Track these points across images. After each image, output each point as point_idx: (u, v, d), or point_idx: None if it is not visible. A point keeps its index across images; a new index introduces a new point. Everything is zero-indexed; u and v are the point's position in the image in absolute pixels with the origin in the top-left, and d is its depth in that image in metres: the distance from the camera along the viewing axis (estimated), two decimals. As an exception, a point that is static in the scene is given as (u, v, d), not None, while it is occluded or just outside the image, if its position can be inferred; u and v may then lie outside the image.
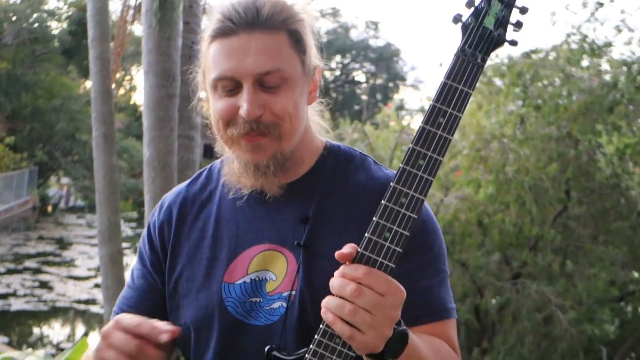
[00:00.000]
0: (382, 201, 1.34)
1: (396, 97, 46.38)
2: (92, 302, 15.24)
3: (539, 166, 7.73)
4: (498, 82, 8.81)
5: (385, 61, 49.06)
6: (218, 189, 1.70)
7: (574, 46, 8.53)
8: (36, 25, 34.77)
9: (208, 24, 1.58)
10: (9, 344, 11.16)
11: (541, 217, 8.07)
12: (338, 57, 51.36)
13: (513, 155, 7.82)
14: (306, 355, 1.37)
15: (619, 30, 8.60)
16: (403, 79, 50.34)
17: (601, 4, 8.58)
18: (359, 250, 1.33)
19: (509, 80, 8.42)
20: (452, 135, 1.35)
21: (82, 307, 14.79)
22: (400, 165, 1.34)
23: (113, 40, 7.03)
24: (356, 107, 45.09)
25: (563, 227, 8.75)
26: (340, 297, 1.29)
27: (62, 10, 36.18)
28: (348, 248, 1.32)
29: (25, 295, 15.21)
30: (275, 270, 1.57)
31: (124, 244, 8.48)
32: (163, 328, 1.39)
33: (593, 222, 8.66)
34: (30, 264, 18.94)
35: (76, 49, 35.45)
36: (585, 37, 8.54)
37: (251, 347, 1.51)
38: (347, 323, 1.28)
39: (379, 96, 44.67)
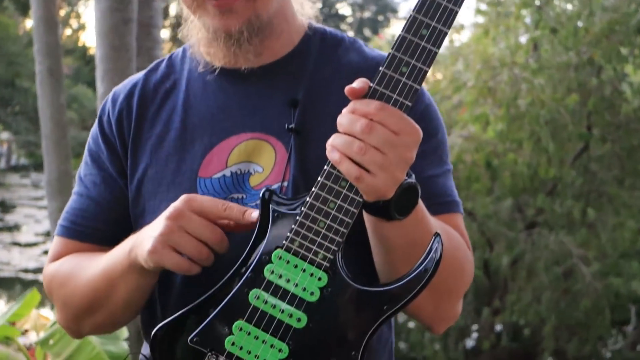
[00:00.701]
0: (401, 32, 1.34)
1: (387, 31, 46.25)
2: (40, 270, 15.10)
3: (557, 98, 7.68)
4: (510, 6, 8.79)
5: (374, -10, 48.96)
6: (184, 77, 1.68)
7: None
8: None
9: None
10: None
11: (559, 156, 8.05)
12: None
13: (526, 86, 7.79)
14: (307, 199, 1.38)
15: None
16: (394, 10, 50.23)
17: None
18: (371, 85, 1.33)
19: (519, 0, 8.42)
20: (447, 25, 1.35)
21: (29, 276, 14.82)
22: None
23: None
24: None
25: (584, 170, 8.80)
26: (349, 135, 1.30)
27: None
28: (359, 82, 1.32)
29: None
30: (260, 161, 1.56)
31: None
32: (251, 210, 1.41)
33: (618, 163, 8.70)
34: (-31, 230, 19.10)
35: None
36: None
37: (233, 251, 1.46)
38: (356, 163, 1.29)
39: (367, 32, 44.55)
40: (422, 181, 1.48)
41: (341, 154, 1.30)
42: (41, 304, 4.76)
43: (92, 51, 45.09)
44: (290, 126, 1.55)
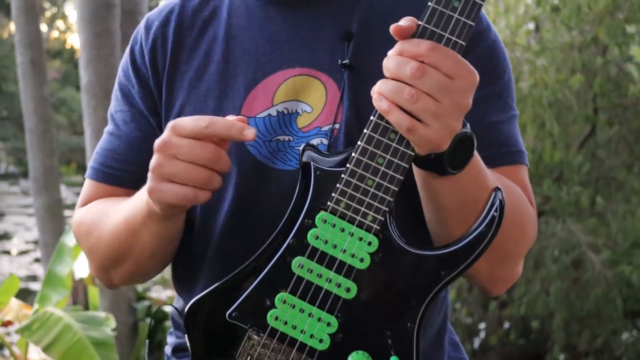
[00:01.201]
0: None
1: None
2: (32, 278, 15.27)
3: (560, 79, 7.69)
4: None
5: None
6: (225, 3, 1.60)
7: None
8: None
9: None
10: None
11: (565, 139, 8.07)
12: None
13: (528, 67, 7.80)
14: (353, 154, 1.32)
15: None
16: None
17: None
18: (419, 23, 1.27)
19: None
20: None
21: (20, 285, 14.78)
22: None
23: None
24: None
25: (591, 157, 8.80)
26: (398, 80, 1.23)
27: None
28: (406, 20, 1.26)
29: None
30: (309, 100, 1.50)
31: (67, 212, 8.42)
32: (242, 123, 1.33)
33: (627, 148, 8.67)
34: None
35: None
36: None
37: (278, 198, 1.44)
38: (406, 112, 1.23)
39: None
40: (487, 128, 1.48)
41: (390, 102, 1.24)
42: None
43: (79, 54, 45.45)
44: (344, 62, 1.49)
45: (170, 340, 1.70)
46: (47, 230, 6.28)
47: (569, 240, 7.78)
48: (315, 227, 1.34)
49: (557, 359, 8.33)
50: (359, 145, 1.31)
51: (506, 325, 9.46)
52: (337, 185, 1.33)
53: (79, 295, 6.08)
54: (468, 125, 1.33)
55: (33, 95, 6.42)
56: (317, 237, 1.34)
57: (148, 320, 5.64)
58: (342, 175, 1.33)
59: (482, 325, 9.36)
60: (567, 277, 8.02)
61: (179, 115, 1.55)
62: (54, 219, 6.30)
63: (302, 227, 1.35)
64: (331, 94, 1.50)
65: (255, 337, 1.36)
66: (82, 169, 29.12)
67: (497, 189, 1.36)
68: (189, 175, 1.32)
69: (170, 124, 1.35)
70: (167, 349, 1.70)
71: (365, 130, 1.30)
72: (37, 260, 16.94)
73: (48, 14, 38.22)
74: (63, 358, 2.87)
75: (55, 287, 3.43)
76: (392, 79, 1.24)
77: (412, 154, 1.29)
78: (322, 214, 1.34)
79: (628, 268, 7.89)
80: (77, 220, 1.66)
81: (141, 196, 1.44)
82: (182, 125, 1.33)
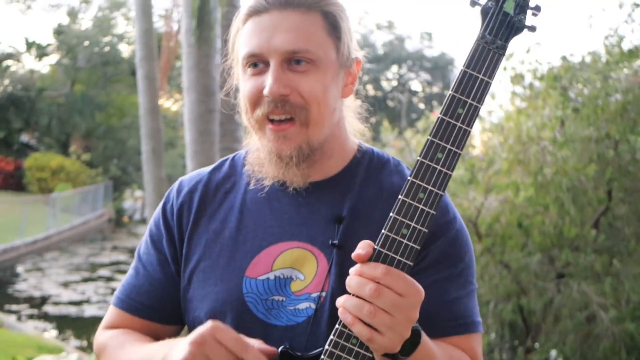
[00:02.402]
0: (400, 196, 1.26)
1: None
2: None
3: (578, 167, 7.57)
4: (537, 84, 8.72)
5: (440, 70, 48.84)
6: (243, 179, 1.59)
7: (611, 48, 8.43)
8: (107, 49, 35.53)
9: (242, 8, 1.52)
10: (83, 348, 11.35)
11: (580, 217, 7.91)
12: (395, 68, 51.38)
13: (551, 158, 7.71)
14: (322, 357, 1.30)
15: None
16: (458, 86, 50.12)
17: (638, 5, 8.44)
18: (375, 247, 1.26)
19: (546, 83, 8.33)
20: (471, 127, 1.27)
21: None
22: (418, 158, 1.27)
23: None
24: (413, 116, 44.95)
25: (609, 227, 8.59)
26: (358, 297, 1.22)
27: (130, 33, 36.93)
28: (364, 247, 1.25)
29: (98, 302, 15.40)
30: (303, 270, 1.47)
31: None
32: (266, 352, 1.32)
33: (637, 221, 8.44)
34: (104, 272, 19.32)
35: (145, 69, 36.27)
36: (622, 38, 8.41)
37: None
38: (366, 324, 1.22)
39: (434, 104, 44.36)
40: (448, 302, 1.44)
41: (353, 316, 1.22)
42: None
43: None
44: (334, 242, 1.45)
45: None
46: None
47: (583, 300, 7.56)
48: None
49: None
50: (327, 349, 1.29)
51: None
52: None
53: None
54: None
55: (153, 177, 6.54)
56: None
57: None
58: None
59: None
60: (581, 330, 7.83)
61: (195, 266, 1.53)
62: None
63: None
64: (321, 266, 1.46)
65: None
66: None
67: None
68: None
69: (212, 324, 1.29)
70: None
71: (331, 336, 1.28)
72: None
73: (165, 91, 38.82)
74: None
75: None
76: (354, 296, 1.23)
77: (371, 356, 1.27)
78: None
79: (631, 325, 7.67)
80: (100, 342, 1.60)
81: (157, 353, 1.40)
82: (225, 335, 1.28)
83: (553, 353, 8.32)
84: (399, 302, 1.21)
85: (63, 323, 13.56)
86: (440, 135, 1.26)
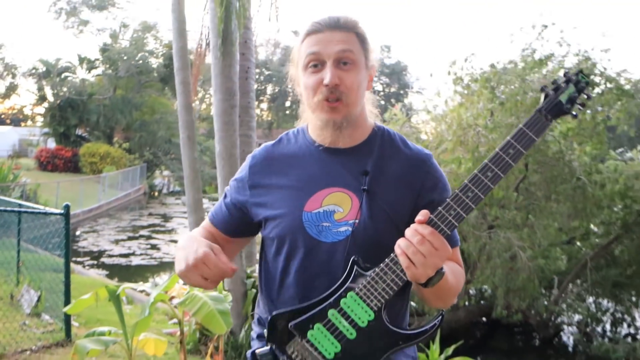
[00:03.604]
0: (462, 188, 1.37)
1: (405, 100, 45.88)
2: None
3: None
4: (473, 85, 8.83)
5: (397, 74, 48.76)
6: (298, 147, 1.68)
7: (526, 58, 8.56)
8: (140, 62, 35.19)
9: (302, 30, 1.61)
10: (132, 289, 11.40)
11: (505, 183, 8.04)
12: (364, 73, 51.07)
13: (484, 139, 7.82)
14: (376, 269, 1.42)
15: (560, 45, 8.62)
16: (410, 87, 49.95)
17: (546, 26, 8.59)
18: (431, 216, 1.37)
19: (480, 84, 8.46)
20: (515, 163, 1.38)
21: None
22: (486, 162, 1.39)
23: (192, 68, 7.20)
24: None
25: (526, 191, 8.73)
26: (409, 242, 1.36)
27: (158, 49, 36.63)
28: (424, 215, 1.38)
29: (141, 254, 15.49)
30: (342, 206, 1.56)
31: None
32: (232, 269, 1.48)
33: (545, 186, 8.61)
34: (144, 232, 19.24)
35: (169, 77, 35.63)
36: (534, 50, 8.56)
37: (321, 258, 1.54)
38: (408, 258, 1.35)
39: (393, 101, 44.29)
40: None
41: (402, 251, 1.36)
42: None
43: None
44: (364, 188, 1.55)
45: (256, 329, 1.72)
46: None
47: (508, 244, 7.80)
48: (346, 298, 1.44)
49: (500, 312, 8.24)
50: (380, 266, 1.41)
51: (472, 291, 9.47)
52: (364, 281, 1.43)
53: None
54: (444, 267, 1.39)
55: (188, 158, 6.53)
56: (345, 303, 1.44)
57: (253, 290, 5.76)
58: (368, 277, 1.43)
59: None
60: (506, 266, 8.02)
61: (269, 205, 1.62)
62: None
63: (340, 296, 1.45)
64: (355, 203, 1.55)
65: (299, 340, 1.45)
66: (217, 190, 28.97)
67: (441, 313, 1.46)
68: (200, 282, 1.48)
69: (203, 252, 1.46)
70: (253, 334, 1.72)
71: (386, 260, 1.41)
72: (191, 246, 17.34)
73: (199, 95, 38.52)
74: (203, 320, 2.99)
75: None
76: (407, 240, 1.36)
77: (405, 278, 1.40)
78: (351, 293, 1.44)
79: (542, 261, 7.85)
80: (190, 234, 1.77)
81: (190, 245, 1.53)
82: (209, 260, 1.45)
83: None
84: (432, 252, 1.34)
85: (116, 270, 13.56)
86: (495, 162, 1.38)
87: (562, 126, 8.28)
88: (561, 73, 1.45)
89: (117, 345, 3.27)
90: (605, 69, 8.45)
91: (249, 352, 1.62)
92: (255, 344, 1.66)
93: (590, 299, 9.82)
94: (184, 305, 3.13)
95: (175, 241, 17.67)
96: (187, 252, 1.50)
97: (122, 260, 14.60)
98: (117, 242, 17.21)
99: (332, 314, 1.44)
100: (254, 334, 1.70)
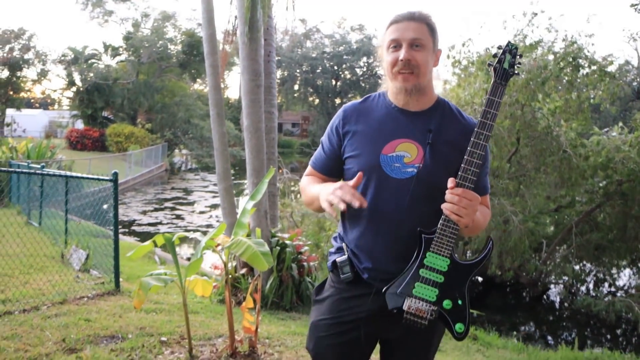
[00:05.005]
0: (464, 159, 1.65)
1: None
2: (209, 226, 15.47)
3: (498, 122, 7.84)
4: (470, 68, 9.03)
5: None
6: (378, 106, 1.89)
7: (518, 43, 8.69)
8: (161, 49, 35.19)
9: (387, 21, 1.83)
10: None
11: (500, 155, 8.23)
12: (365, 59, 50.92)
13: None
14: (436, 229, 1.70)
15: (549, 31, 8.79)
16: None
17: (535, 14, 8.74)
18: (457, 180, 1.66)
19: (476, 66, 8.62)
20: (494, 122, 1.66)
21: (203, 229, 14.85)
22: (480, 119, 1.67)
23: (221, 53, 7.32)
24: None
25: (517, 163, 8.93)
26: (452, 203, 1.64)
27: (177, 38, 36.59)
28: (452, 181, 1.66)
29: (167, 223, 15.61)
30: (410, 152, 1.79)
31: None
32: (361, 201, 1.69)
33: (535, 158, 8.80)
34: (168, 204, 19.30)
35: (187, 63, 35.84)
36: (525, 36, 8.71)
37: (391, 190, 1.78)
38: (456, 214, 1.64)
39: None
40: (483, 180, 1.87)
41: (450, 211, 1.64)
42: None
43: (231, 101, 44.94)
44: (428, 141, 1.78)
45: (335, 243, 1.96)
46: (226, 200, 6.25)
47: (501, 209, 7.99)
48: (427, 257, 1.71)
49: (494, 271, 8.50)
50: (438, 227, 1.68)
51: (468, 254, 9.68)
52: (434, 241, 1.70)
53: (250, 233, 6.28)
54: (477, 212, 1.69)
55: (217, 132, 6.49)
56: (428, 261, 1.71)
57: (277, 247, 5.91)
58: (435, 237, 1.69)
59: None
60: (500, 229, 8.21)
61: (351, 150, 1.85)
62: (228, 195, 6.27)
63: (422, 257, 1.71)
64: (420, 152, 1.78)
65: (409, 298, 1.71)
66: (232, 165, 28.90)
67: (490, 239, 1.76)
68: (327, 207, 1.70)
69: (341, 183, 1.72)
70: (332, 249, 1.96)
71: (441, 220, 1.68)
72: (211, 217, 17.10)
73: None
74: (249, 259, 3.14)
75: (241, 228, 3.49)
76: (450, 201, 1.64)
77: (458, 227, 1.68)
78: (429, 252, 1.70)
79: (532, 224, 8.05)
80: (302, 183, 2.02)
81: (321, 189, 1.80)
82: (343, 189, 1.68)
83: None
84: (469, 204, 1.63)
85: (146, 237, 13.61)
86: (489, 104, 1.67)
87: (550, 104, 8.44)
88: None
89: (173, 284, 3.30)
90: (589, 52, 8.62)
91: (329, 263, 1.91)
92: (334, 257, 1.92)
93: (575, 263, 9.99)
94: (231, 248, 3.30)
95: (195, 212, 17.84)
96: (323, 187, 1.77)
97: (151, 229, 14.74)
98: (144, 212, 17.35)
99: (422, 272, 1.72)
100: (332, 249, 1.97)
